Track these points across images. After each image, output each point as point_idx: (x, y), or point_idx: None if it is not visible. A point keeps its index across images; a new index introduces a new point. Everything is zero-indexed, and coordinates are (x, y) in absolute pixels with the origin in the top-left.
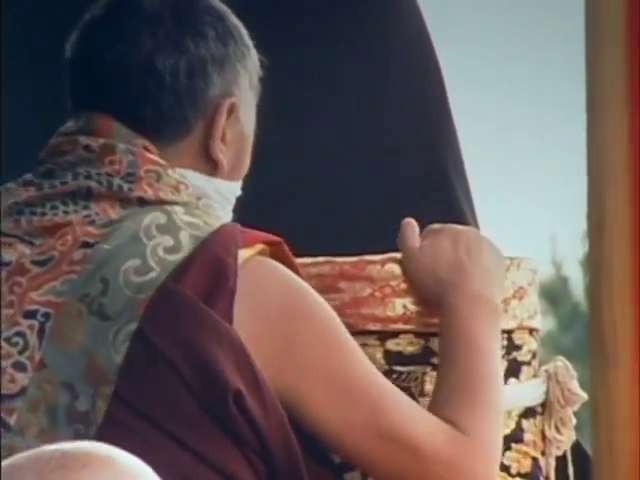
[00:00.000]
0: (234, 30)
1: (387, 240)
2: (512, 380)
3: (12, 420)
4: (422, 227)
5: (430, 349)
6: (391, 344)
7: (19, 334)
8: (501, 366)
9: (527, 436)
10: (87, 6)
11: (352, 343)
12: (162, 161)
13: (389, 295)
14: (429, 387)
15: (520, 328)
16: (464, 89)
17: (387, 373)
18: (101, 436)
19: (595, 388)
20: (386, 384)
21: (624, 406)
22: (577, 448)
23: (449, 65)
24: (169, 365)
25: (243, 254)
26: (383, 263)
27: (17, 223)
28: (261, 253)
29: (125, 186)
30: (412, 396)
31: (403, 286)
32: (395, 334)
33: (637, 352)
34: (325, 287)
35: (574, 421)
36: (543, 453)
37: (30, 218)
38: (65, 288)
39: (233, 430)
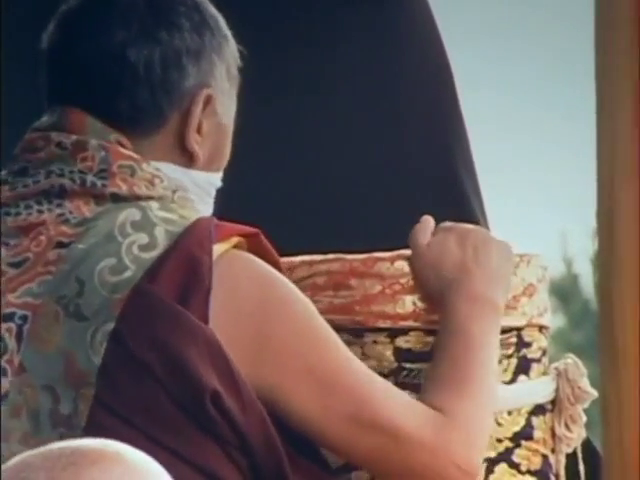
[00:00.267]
0: (211, 20)
1: (398, 238)
2: (522, 377)
3: None
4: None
5: None
6: (401, 341)
7: None
8: (506, 366)
9: (537, 433)
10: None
11: (329, 333)
12: (136, 155)
13: (399, 292)
14: None
15: (530, 325)
16: (475, 88)
17: (397, 370)
18: None
19: (605, 385)
20: (365, 372)
21: (634, 403)
22: (587, 446)
23: (459, 66)
24: (145, 367)
25: (218, 249)
26: (393, 260)
27: None
28: (237, 246)
29: (99, 183)
30: None
31: (413, 283)
32: (405, 331)
33: None
34: (335, 284)
35: (584, 418)
36: (553, 450)
37: (5, 219)
38: (41, 289)
39: (212, 430)
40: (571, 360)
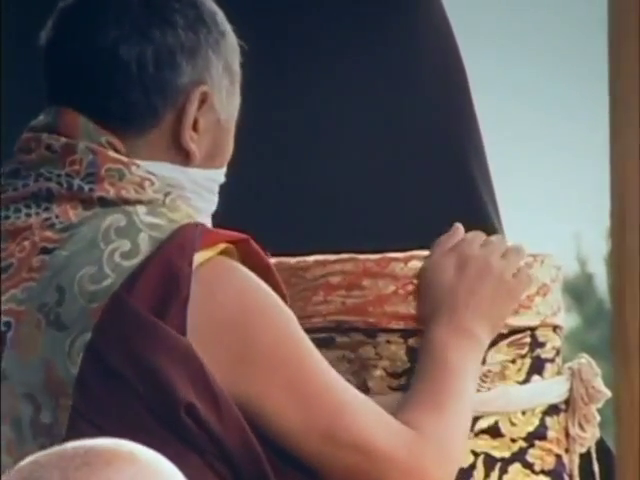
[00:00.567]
0: (207, 17)
1: (412, 241)
2: (536, 377)
3: None
4: (447, 230)
5: None
6: (414, 342)
7: None
8: (520, 366)
9: (551, 433)
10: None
11: (309, 346)
12: (125, 159)
13: (412, 293)
14: None
15: (543, 325)
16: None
17: (410, 371)
18: None
19: (618, 385)
20: (344, 388)
21: None
22: (601, 445)
23: (474, 70)
24: (121, 379)
25: (201, 256)
26: (407, 260)
27: None
28: (224, 253)
29: (86, 187)
30: None
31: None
32: (418, 332)
33: None
34: (349, 284)
35: (598, 418)
36: (567, 450)
37: None
38: (24, 296)
39: (191, 440)
40: (585, 360)
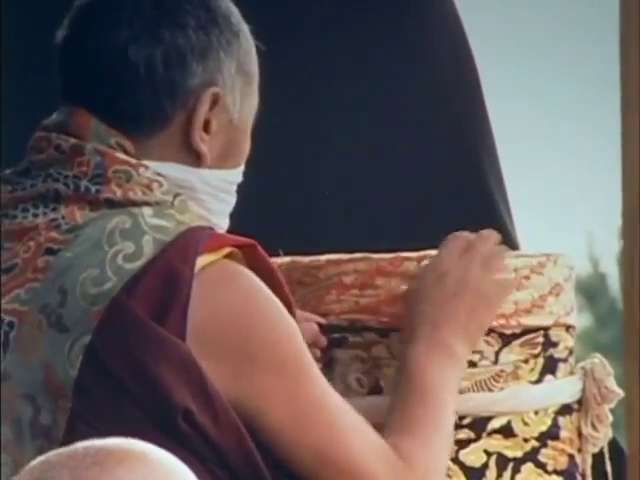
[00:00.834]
0: (220, 18)
1: (425, 242)
2: (548, 377)
3: None
4: (459, 230)
5: None
6: None
7: None
8: (532, 365)
9: (563, 433)
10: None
11: (309, 360)
12: (133, 160)
13: None
14: (465, 384)
15: (556, 325)
16: (499, 92)
17: None
18: None
19: (629, 385)
20: (339, 406)
21: None
22: (613, 445)
23: (486, 73)
24: (119, 382)
25: (204, 260)
26: (420, 260)
27: None
28: (229, 257)
29: (93, 188)
30: None
31: None
32: None
33: None
34: (362, 283)
35: (610, 418)
36: (579, 450)
37: (3, 222)
38: (28, 297)
39: (188, 445)
40: (597, 360)
